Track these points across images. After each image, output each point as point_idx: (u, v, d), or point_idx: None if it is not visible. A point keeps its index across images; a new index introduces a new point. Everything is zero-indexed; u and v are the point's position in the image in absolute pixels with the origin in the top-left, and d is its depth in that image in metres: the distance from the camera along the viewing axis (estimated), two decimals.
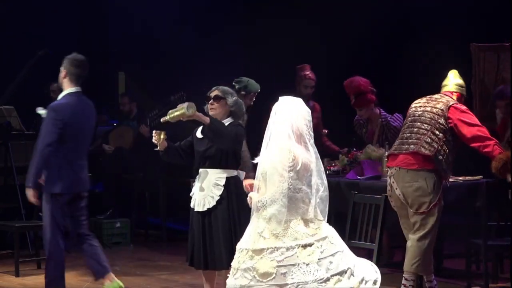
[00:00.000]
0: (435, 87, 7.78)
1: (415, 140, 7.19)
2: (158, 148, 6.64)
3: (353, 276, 5.41)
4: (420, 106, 7.33)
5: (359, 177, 8.35)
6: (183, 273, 8.37)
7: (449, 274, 8.09)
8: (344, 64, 9.87)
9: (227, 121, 6.68)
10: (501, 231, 7.28)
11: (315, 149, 5.56)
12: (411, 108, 7.42)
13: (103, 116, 11.89)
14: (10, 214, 9.53)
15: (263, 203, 5.42)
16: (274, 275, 5.25)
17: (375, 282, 5.50)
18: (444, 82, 7.49)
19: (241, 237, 6.42)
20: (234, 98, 6.72)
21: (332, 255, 5.36)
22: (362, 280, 5.45)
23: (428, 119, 7.21)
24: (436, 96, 7.38)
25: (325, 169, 8.77)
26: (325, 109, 9.93)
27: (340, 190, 8.31)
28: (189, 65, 11.75)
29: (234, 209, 6.58)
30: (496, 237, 7.42)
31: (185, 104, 6.45)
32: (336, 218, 7.84)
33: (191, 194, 6.70)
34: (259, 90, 8.25)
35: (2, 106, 9.82)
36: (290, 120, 5.47)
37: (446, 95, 7.35)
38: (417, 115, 7.30)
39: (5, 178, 9.59)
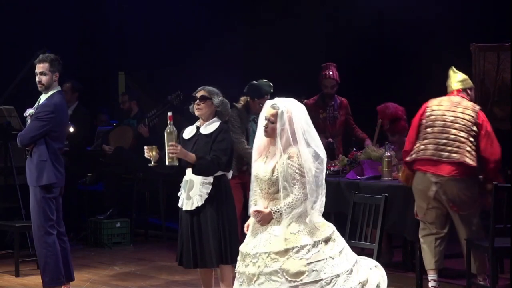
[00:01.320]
0: (436, 87, 7.78)
1: (455, 149, 7.21)
2: (152, 163, 6.58)
3: (362, 266, 5.54)
4: (447, 110, 7.32)
5: (359, 177, 8.34)
6: (183, 273, 8.35)
7: (449, 274, 8.09)
8: (344, 64, 9.86)
9: (213, 121, 6.69)
10: (500, 231, 7.26)
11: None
12: (433, 110, 7.37)
13: (103, 116, 11.88)
14: (10, 214, 9.51)
15: (285, 210, 5.36)
16: (306, 272, 5.25)
17: (376, 266, 5.68)
18: (448, 83, 7.51)
19: (230, 235, 6.47)
20: (220, 98, 6.73)
21: (344, 247, 5.47)
22: (370, 268, 5.62)
23: (463, 126, 7.24)
24: (456, 99, 7.39)
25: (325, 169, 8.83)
26: None
27: (340, 190, 8.30)
28: (189, 65, 11.74)
29: (223, 208, 6.58)
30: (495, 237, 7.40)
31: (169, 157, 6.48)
32: (336, 218, 7.84)
33: (179, 194, 6.71)
34: (271, 91, 8.26)
35: (2, 106, 9.81)
36: (301, 123, 5.44)
37: (463, 97, 7.39)
38: (448, 120, 7.28)
39: (5, 178, 9.58)
